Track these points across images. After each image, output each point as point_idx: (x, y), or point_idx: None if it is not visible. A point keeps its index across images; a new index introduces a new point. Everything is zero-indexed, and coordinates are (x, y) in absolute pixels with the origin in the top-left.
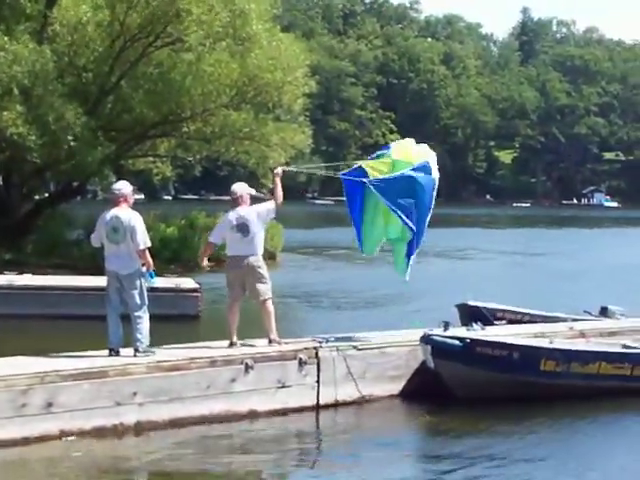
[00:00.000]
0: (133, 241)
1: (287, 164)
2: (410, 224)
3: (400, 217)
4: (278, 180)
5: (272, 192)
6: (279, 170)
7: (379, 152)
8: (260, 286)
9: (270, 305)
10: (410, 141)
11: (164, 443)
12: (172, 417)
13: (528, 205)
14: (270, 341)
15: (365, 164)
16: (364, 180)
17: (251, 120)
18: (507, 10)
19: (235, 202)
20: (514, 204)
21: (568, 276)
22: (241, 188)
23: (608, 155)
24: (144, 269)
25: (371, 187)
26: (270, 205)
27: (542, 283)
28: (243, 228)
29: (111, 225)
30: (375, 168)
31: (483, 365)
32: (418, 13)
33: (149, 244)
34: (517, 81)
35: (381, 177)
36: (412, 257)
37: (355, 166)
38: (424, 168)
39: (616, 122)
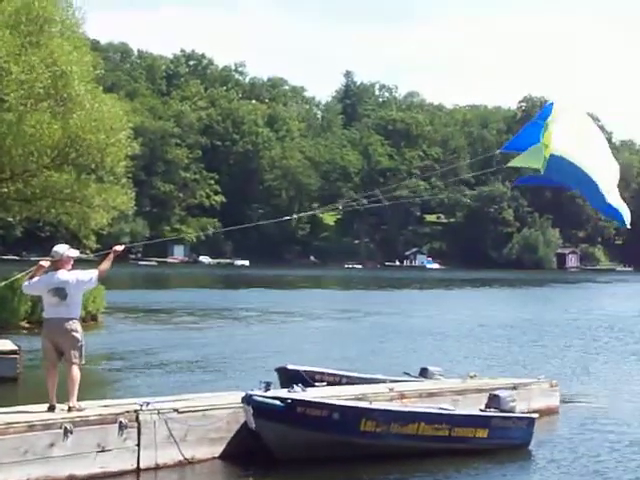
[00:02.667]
0: None
1: (110, 225)
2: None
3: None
4: (112, 256)
5: (100, 259)
6: (119, 248)
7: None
8: (73, 351)
9: (77, 371)
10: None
11: None
12: None
13: (360, 267)
14: (69, 408)
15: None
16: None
17: (73, 181)
18: (330, 74)
19: (56, 264)
20: (346, 265)
21: (390, 337)
22: (63, 250)
23: (430, 217)
24: None
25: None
26: (93, 274)
27: (364, 344)
28: (61, 293)
29: None
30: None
31: (304, 425)
32: (243, 76)
33: None
34: (340, 144)
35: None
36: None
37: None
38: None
39: (437, 185)
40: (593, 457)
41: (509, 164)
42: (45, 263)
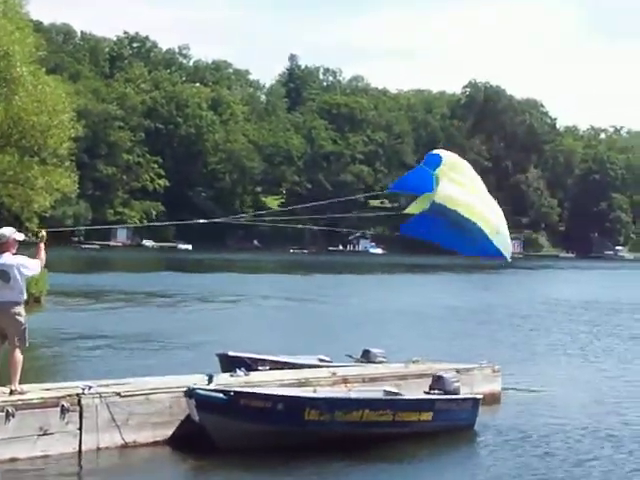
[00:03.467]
0: None
1: (53, 208)
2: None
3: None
4: (42, 245)
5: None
6: (43, 233)
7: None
8: (16, 334)
9: (20, 355)
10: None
11: None
12: None
13: (305, 251)
14: (11, 392)
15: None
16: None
17: (15, 163)
18: (274, 57)
19: (1, 247)
20: (291, 250)
21: (333, 321)
22: (10, 233)
23: (373, 202)
24: None
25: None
26: (35, 266)
27: (307, 328)
28: (4, 276)
29: None
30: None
31: (247, 417)
32: (187, 59)
33: None
34: (284, 128)
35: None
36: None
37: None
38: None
39: (381, 170)
40: (539, 439)
41: (406, 211)
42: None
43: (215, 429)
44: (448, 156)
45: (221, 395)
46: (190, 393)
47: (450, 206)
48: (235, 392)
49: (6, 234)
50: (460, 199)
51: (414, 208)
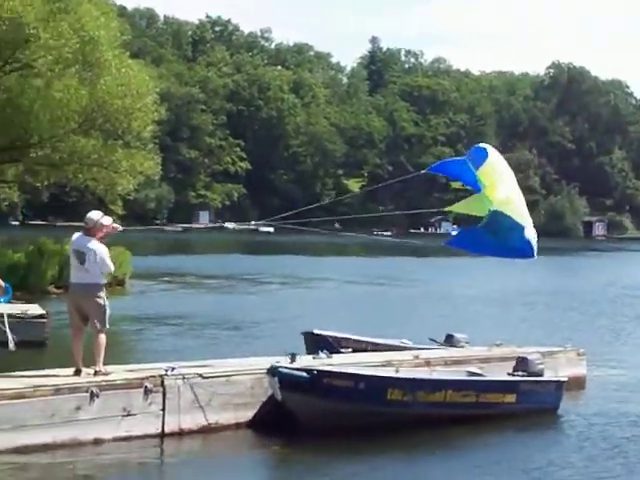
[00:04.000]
0: None
1: (136, 191)
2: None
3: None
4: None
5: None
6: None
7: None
8: (96, 316)
9: (103, 337)
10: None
11: (5, 469)
12: (16, 445)
13: (389, 234)
14: (95, 372)
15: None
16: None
17: (100, 146)
18: (356, 40)
19: (88, 231)
20: (375, 232)
21: (416, 304)
22: (97, 217)
23: (455, 184)
24: None
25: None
26: (110, 268)
27: (390, 311)
28: (81, 256)
29: None
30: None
31: (330, 396)
32: (269, 42)
33: None
34: (365, 110)
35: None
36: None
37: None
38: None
39: (463, 152)
40: (627, 423)
41: (451, 208)
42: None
43: (297, 408)
44: (492, 152)
45: (304, 374)
46: (273, 371)
47: (506, 211)
48: (318, 371)
49: (94, 218)
50: (510, 198)
51: (462, 208)
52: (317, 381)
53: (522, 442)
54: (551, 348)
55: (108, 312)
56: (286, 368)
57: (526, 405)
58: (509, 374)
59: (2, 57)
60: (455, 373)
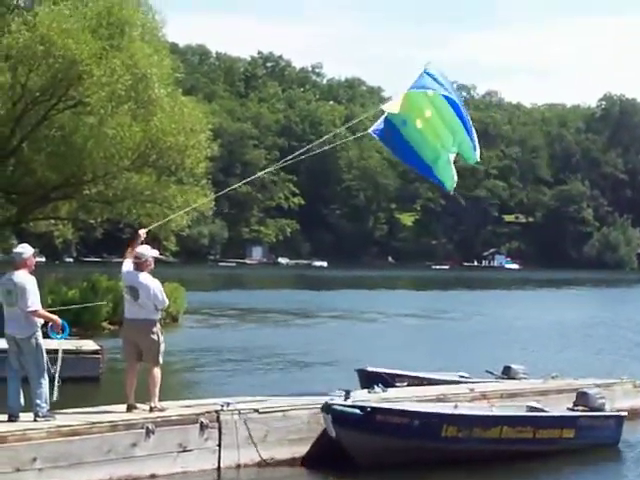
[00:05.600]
0: (23, 303)
1: (189, 227)
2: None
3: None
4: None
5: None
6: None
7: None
8: (151, 351)
9: (157, 373)
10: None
11: None
12: None
13: (447, 267)
14: (151, 409)
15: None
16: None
17: (153, 183)
18: (407, 73)
19: (139, 266)
20: (433, 266)
21: (472, 336)
22: (148, 252)
23: (508, 217)
24: (50, 326)
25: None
26: (165, 300)
27: (446, 343)
28: (134, 292)
29: (5, 288)
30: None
31: (384, 433)
32: (320, 77)
33: (38, 307)
34: None
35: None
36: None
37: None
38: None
39: (515, 185)
40: None
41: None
42: (142, 232)
43: (351, 444)
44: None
45: (357, 410)
46: (327, 408)
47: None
48: (372, 408)
49: (145, 253)
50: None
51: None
52: (370, 418)
53: (583, 478)
54: (607, 380)
55: (163, 347)
56: (340, 405)
57: (585, 440)
58: (569, 409)
59: (56, 94)
60: (514, 408)
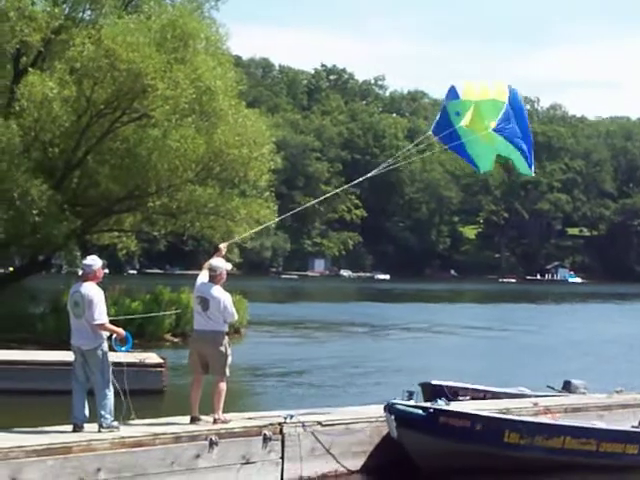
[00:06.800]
0: (90, 316)
1: (253, 239)
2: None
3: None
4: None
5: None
6: (223, 246)
7: (448, 102)
8: (218, 363)
9: (223, 385)
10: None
11: None
12: None
13: (514, 281)
14: (215, 420)
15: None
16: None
17: (216, 195)
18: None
19: (212, 278)
20: (500, 280)
21: (533, 351)
22: (221, 264)
23: (571, 231)
24: (114, 338)
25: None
26: (234, 317)
27: (507, 358)
28: (204, 303)
29: (73, 299)
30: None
31: (446, 435)
32: (383, 89)
33: (104, 320)
34: None
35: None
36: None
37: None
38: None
39: (579, 198)
40: None
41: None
42: (223, 246)
43: (413, 445)
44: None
45: (420, 411)
46: (390, 408)
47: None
48: (435, 409)
49: (220, 266)
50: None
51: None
52: (433, 419)
53: None
54: None
55: (229, 360)
56: (402, 405)
57: None
58: (634, 427)
59: (120, 107)
60: (577, 421)
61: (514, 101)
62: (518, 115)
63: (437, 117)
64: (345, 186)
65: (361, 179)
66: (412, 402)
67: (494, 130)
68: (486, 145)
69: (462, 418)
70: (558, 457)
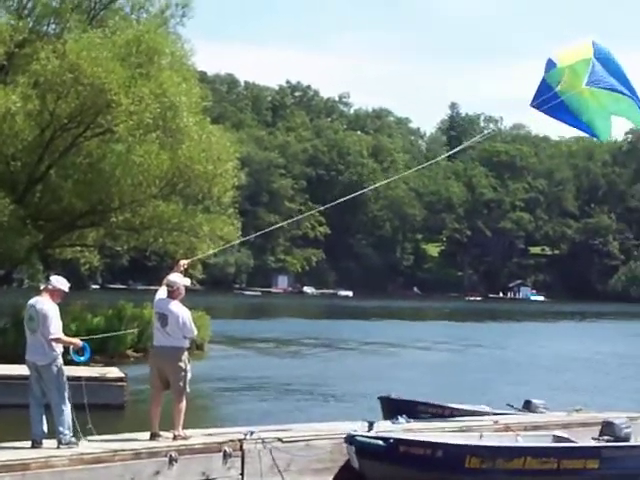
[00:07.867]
0: (45, 330)
1: (215, 255)
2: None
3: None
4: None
5: None
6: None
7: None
8: (177, 380)
9: (183, 401)
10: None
11: None
12: None
13: (480, 298)
14: (175, 437)
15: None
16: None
17: (180, 211)
18: (435, 105)
19: (171, 294)
20: (466, 298)
21: (493, 369)
22: (179, 280)
23: (534, 249)
24: (72, 349)
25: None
26: (193, 332)
27: (466, 376)
28: (163, 320)
29: (28, 314)
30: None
31: (407, 464)
32: (347, 107)
33: (59, 334)
34: (444, 175)
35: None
36: None
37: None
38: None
39: (541, 217)
40: None
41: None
42: (183, 262)
43: (374, 476)
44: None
45: (381, 442)
46: (350, 440)
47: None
48: (395, 439)
49: (177, 281)
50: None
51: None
52: (394, 449)
53: None
54: (633, 414)
55: (189, 376)
56: (363, 436)
57: (610, 471)
58: (594, 439)
59: (84, 122)
60: (540, 438)
61: (599, 53)
62: (609, 65)
63: (535, 91)
64: (338, 201)
65: (342, 199)
66: (372, 433)
67: (589, 85)
68: (597, 108)
69: (422, 447)
70: (521, 478)
